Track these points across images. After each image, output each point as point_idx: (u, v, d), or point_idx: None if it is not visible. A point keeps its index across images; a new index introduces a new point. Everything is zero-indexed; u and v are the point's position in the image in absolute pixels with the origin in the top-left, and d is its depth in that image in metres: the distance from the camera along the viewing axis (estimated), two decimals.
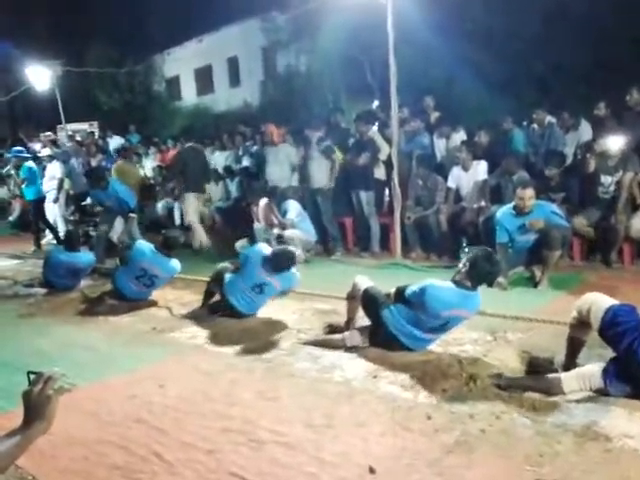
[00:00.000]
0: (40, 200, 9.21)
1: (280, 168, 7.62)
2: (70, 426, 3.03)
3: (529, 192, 5.14)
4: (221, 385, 3.47)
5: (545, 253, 5.15)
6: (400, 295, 3.70)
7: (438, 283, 3.56)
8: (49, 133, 13.67)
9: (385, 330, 3.70)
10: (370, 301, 3.85)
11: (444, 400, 3.06)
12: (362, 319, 4.09)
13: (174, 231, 5.95)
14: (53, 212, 9.43)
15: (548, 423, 2.74)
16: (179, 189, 8.46)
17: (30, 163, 9.32)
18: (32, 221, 9.46)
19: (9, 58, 18.21)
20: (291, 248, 4.54)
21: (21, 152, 9.82)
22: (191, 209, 7.97)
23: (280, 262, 4.49)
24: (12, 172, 10.15)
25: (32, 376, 1.53)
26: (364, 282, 3.98)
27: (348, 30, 12.71)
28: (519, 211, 5.19)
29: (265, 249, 4.67)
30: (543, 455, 2.48)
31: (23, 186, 9.25)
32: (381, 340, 3.78)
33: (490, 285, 3.68)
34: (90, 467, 2.64)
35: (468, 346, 3.84)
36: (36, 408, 1.47)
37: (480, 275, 3.51)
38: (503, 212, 5.33)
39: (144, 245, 5.48)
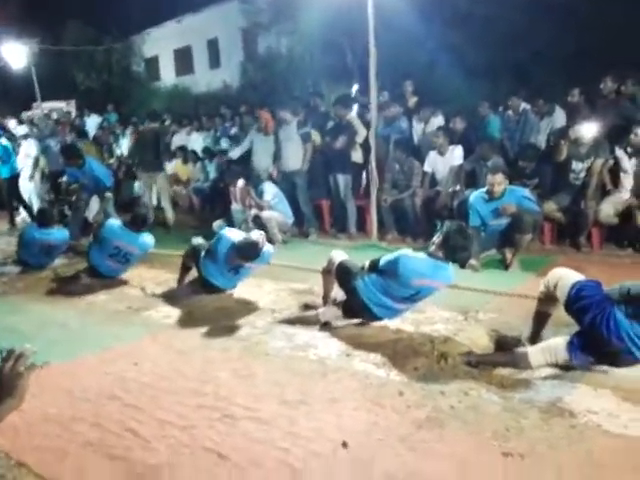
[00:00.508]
0: (14, 177, 9.06)
1: (268, 157, 7.58)
2: (44, 403, 3.03)
3: (499, 177, 5.24)
4: (196, 363, 3.50)
5: (516, 237, 5.26)
6: (374, 266, 3.78)
7: (412, 253, 3.67)
8: (31, 113, 13.41)
9: (357, 300, 3.74)
10: (344, 272, 3.91)
11: (415, 377, 3.13)
12: (338, 294, 4.14)
13: (143, 208, 5.90)
14: (28, 190, 9.28)
15: (515, 399, 2.83)
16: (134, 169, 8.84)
17: (4, 141, 9.15)
18: (6, 199, 9.30)
19: None
20: (254, 237, 4.39)
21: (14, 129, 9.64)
22: (147, 188, 8.41)
23: (246, 254, 4.42)
24: None
25: (4, 351, 1.52)
26: (339, 255, 4.06)
27: (329, 13, 12.59)
28: (491, 196, 5.27)
29: (234, 236, 4.58)
30: (509, 430, 2.56)
31: None
32: (354, 311, 3.85)
33: (462, 265, 3.75)
34: (64, 444, 2.65)
35: (440, 325, 3.91)
36: (7, 385, 1.47)
37: (453, 248, 3.56)
38: (476, 196, 5.42)
39: (115, 223, 5.44)
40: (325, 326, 3.94)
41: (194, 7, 20.86)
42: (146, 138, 8.29)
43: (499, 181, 5.22)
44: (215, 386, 3.15)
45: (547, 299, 3.26)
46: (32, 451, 2.61)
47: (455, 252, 3.58)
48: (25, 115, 13.59)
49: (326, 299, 4.22)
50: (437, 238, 3.64)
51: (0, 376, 1.47)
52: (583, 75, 8.50)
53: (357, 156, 7.38)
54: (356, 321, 3.95)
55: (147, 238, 5.43)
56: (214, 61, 22.07)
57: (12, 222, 8.95)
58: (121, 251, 5.28)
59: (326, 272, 4.13)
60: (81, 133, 10.11)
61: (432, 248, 3.64)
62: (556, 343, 2.98)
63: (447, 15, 12.30)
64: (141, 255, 5.50)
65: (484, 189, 5.40)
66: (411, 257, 3.63)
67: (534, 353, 3.01)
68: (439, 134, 6.65)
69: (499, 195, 5.25)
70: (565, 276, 3.11)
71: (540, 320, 3.35)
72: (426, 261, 3.61)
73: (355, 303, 3.78)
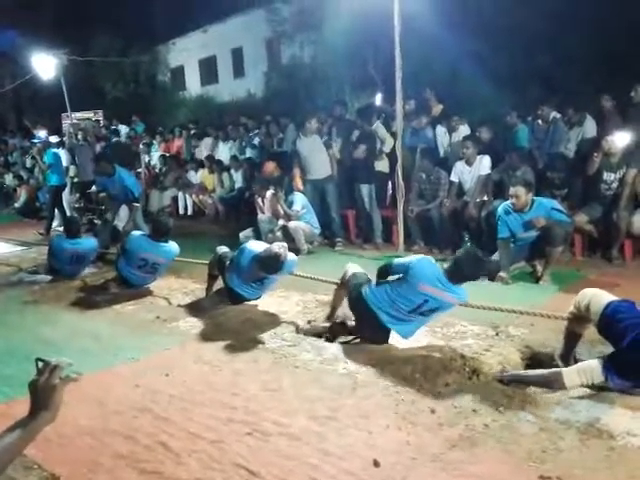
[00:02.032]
0: (62, 186, 9.23)
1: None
2: (76, 415, 3.06)
3: (520, 189, 5.11)
4: (225, 375, 3.50)
5: (547, 249, 5.15)
6: (385, 269, 3.79)
7: (429, 259, 3.67)
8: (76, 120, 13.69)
9: (365, 307, 3.70)
10: (352, 282, 3.91)
11: (447, 394, 3.08)
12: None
13: (164, 217, 5.94)
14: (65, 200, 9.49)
15: (551, 419, 2.77)
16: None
17: (55, 149, 9.33)
18: (48, 207, 9.46)
19: (14, 47, 18.16)
20: (275, 249, 4.28)
21: (42, 138, 9.85)
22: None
23: (268, 266, 4.35)
24: (37, 157, 10.14)
25: (40, 363, 1.52)
26: (353, 268, 4.07)
27: (353, 22, 12.62)
28: (515, 209, 5.18)
29: (256, 247, 4.53)
30: (546, 451, 2.50)
31: (48, 171, 9.24)
32: (364, 326, 3.82)
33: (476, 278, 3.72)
34: (96, 456, 2.67)
35: (470, 340, 3.85)
36: (42, 398, 1.47)
37: (461, 275, 3.55)
38: (504, 208, 5.31)
39: (138, 235, 5.49)
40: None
41: (219, 17, 21.07)
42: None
43: (520, 193, 5.10)
44: (245, 399, 3.15)
45: (577, 319, 3.18)
46: (65, 463, 2.63)
47: (463, 279, 3.56)
48: (65, 124, 13.88)
49: (332, 316, 4.17)
50: (451, 260, 3.63)
51: (36, 389, 1.47)
52: (613, 83, 8.37)
53: (383, 166, 7.37)
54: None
55: (171, 247, 5.47)
56: (238, 70, 22.25)
57: (48, 231, 9.09)
58: (148, 262, 5.33)
59: (340, 285, 4.12)
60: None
61: (447, 267, 3.63)
62: (591, 365, 2.90)
63: (472, 23, 12.23)
64: (168, 263, 5.55)
65: (510, 201, 5.32)
66: (426, 261, 3.64)
67: (569, 374, 2.94)
68: (469, 144, 6.56)
69: (526, 208, 5.14)
70: (597, 296, 3.03)
71: (571, 339, 3.28)
72: (439, 273, 3.58)
73: (363, 310, 3.73)
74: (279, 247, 4.30)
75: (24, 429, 1.43)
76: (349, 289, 3.94)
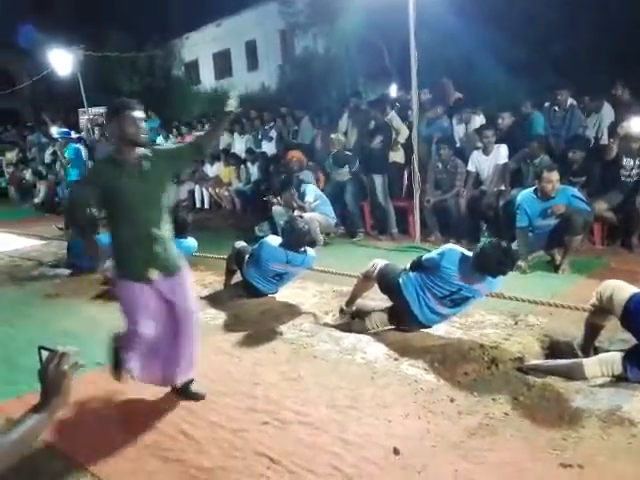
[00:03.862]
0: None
1: None
2: (100, 405, 3.12)
3: (555, 175, 5.09)
4: (245, 365, 3.53)
5: (567, 238, 5.11)
6: (416, 263, 3.80)
7: (455, 250, 3.66)
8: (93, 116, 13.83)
9: (401, 298, 3.72)
10: (387, 274, 3.91)
11: (466, 383, 3.09)
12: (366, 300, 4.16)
13: (182, 212, 5.97)
14: None
15: (572, 407, 2.76)
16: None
17: (77, 144, 9.41)
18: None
19: (31, 42, 18.32)
20: (302, 224, 4.52)
21: (67, 133, 9.92)
22: None
23: (296, 241, 4.48)
24: (58, 153, 10.23)
25: (43, 351, 1.56)
26: (382, 261, 4.06)
27: (366, 13, 12.55)
28: (542, 195, 5.15)
29: (275, 242, 4.65)
30: (566, 439, 2.50)
31: (69, 167, 9.33)
32: (399, 315, 3.83)
33: (504, 272, 3.68)
34: (120, 445, 2.71)
35: (489, 330, 3.84)
36: (53, 384, 1.51)
37: (485, 266, 3.50)
38: (525, 195, 5.28)
39: None
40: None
41: (232, 10, 21.08)
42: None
43: (556, 178, 5.07)
44: (264, 389, 3.18)
45: (599, 311, 3.15)
46: (89, 452, 2.68)
47: (487, 270, 3.52)
48: (82, 119, 13.99)
49: (351, 304, 4.18)
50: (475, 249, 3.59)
51: (46, 376, 1.51)
52: (629, 70, 8.25)
53: (399, 156, 7.34)
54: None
55: (190, 242, 5.50)
56: (252, 63, 22.28)
57: (67, 226, 9.18)
58: None
59: (365, 277, 4.11)
60: None
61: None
62: (613, 357, 2.88)
63: (486, 12, 12.09)
64: (187, 259, 5.58)
65: (532, 188, 5.27)
66: (457, 251, 3.64)
67: (590, 365, 2.92)
68: (488, 133, 6.50)
69: (553, 194, 5.11)
70: (619, 289, 2.99)
71: (592, 331, 3.25)
72: (469, 261, 3.56)
73: (398, 303, 3.76)
74: (302, 223, 4.53)
75: (40, 415, 1.47)
76: (385, 278, 3.93)
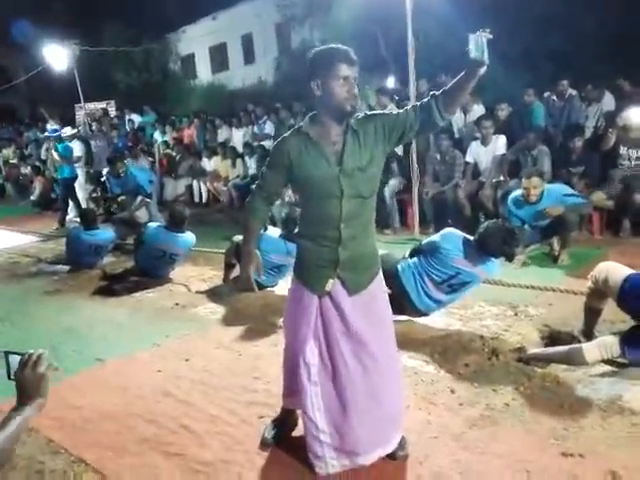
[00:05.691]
0: (73, 179, 9.29)
1: None
2: (101, 400, 3.12)
3: (535, 181, 4.94)
4: (245, 359, 3.53)
5: (562, 234, 5.10)
6: (415, 249, 3.83)
7: (454, 233, 3.68)
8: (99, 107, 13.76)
9: (398, 285, 3.70)
10: (384, 261, 3.87)
11: (467, 374, 3.09)
12: None
13: (180, 207, 5.95)
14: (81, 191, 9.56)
15: (572, 397, 2.76)
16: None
17: (68, 142, 9.37)
18: (60, 199, 9.54)
19: (26, 37, 18.23)
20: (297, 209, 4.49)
21: (56, 131, 9.88)
22: None
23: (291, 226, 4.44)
24: (50, 150, 10.19)
25: (10, 356, 1.57)
26: (380, 250, 4.03)
27: (363, 3, 12.49)
28: (527, 200, 5.01)
29: (275, 232, 4.65)
30: (567, 429, 2.50)
31: (60, 164, 9.29)
32: (396, 302, 3.79)
33: (510, 259, 3.68)
34: (121, 440, 2.71)
35: (489, 321, 3.84)
36: (32, 387, 1.53)
37: (489, 246, 3.51)
38: (513, 200, 5.13)
39: (154, 227, 5.53)
40: None
41: (228, 3, 20.95)
42: None
43: (535, 185, 4.93)
44: (265, 383, 3.17)
45: (596, 294, 3.16)
46: (91, 448, 2.68)
47: (491, 252, 3.52)
48: (78, 114, 13.95)
49: None
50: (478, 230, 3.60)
51: (24, 379, 1.54)
52: (629, 59, 8.22)
53: (397, 148, 7.32)
54: (401, 318, 3.90)
55: (188, 236, 5.50)
56: (249, 57, 22.16)
57: (62, 223, 9.17)
58: (166, 253, 5.37)
59: None
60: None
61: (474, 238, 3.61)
62: (612, 340, 2.88)
63: (483, 2, 12.03)
64: (186, 253, 5.59)
65: (520, 192, 5.10)
66: (456, 234, 3.66)
67: (589, 349, 2.92)
68: (487, 124, 6.47)
69: (536, 199, 4.98)
70: (613, 270, 3.01)
71: (591, 315, 3.26)
72: (468, 244, 3.57)
73: (396, 290, 3.72)
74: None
75: (17, 419, 1.48)
76: (383, 265, 3.91)
